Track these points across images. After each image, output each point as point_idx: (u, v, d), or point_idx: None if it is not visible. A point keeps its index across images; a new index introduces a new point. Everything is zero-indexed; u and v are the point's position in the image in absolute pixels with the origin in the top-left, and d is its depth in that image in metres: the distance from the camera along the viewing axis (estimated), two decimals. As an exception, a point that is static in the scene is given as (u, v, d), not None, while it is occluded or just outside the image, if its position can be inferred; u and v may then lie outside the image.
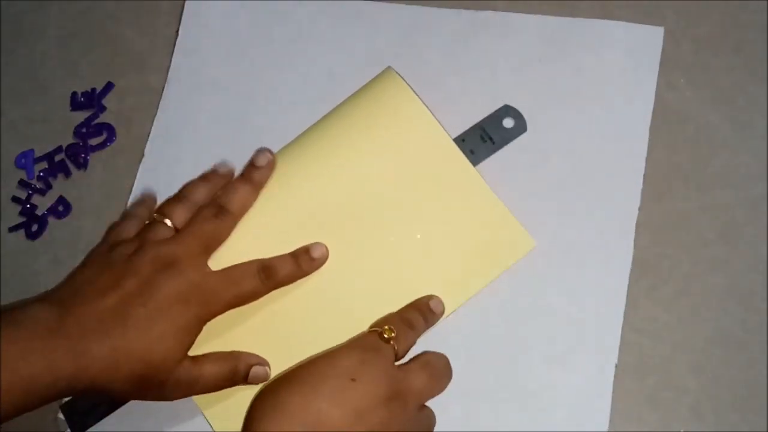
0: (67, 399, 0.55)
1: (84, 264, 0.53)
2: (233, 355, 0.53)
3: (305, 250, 0.54)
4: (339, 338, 0.52)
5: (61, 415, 0.56)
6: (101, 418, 0.55)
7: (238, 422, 0.47)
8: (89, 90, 0.65)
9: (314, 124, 0.58)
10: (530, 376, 0.53)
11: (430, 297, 0.54)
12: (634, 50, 0.58)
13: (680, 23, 0.59)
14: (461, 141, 0.58)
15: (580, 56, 0.59)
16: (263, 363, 0.53)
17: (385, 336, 0.50)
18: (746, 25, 0.58)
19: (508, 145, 0.57)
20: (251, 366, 0.52)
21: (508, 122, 0.58)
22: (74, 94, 0.65)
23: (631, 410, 0.52)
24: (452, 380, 0.53)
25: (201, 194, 0.55)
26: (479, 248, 0.55)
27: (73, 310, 0.48)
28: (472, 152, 0.57)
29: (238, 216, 0.54)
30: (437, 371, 0.50)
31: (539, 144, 0.57)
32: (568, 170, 0.56)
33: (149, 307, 0.49)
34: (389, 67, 0.59)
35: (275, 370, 0.53)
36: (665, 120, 0.57)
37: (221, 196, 0.54)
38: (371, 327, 0.52)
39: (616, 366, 0.52)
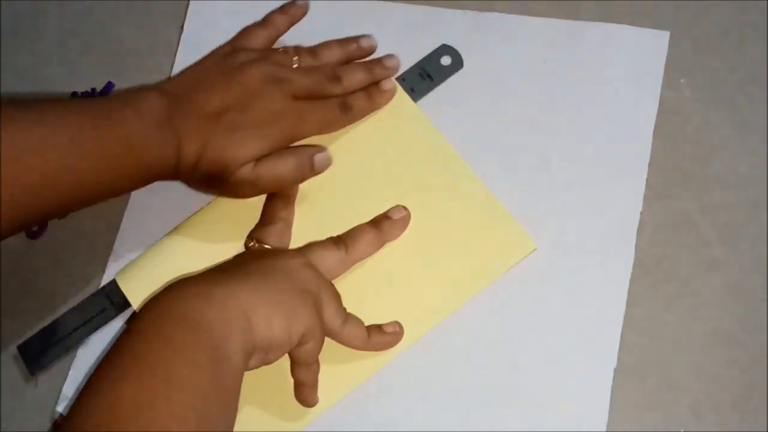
0: (23, 340, 0.57)
1: (203, 60, 0.57)
2: (293, 151, 0.55)
3: (376, 87, 0.58)
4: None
5: (59, 409, 0.56)
6: (56, 359, 0.57)
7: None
8: (89, 90, 0.65)
9: None
10: (530, 376, 0.53)
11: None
12: (638, 54, 0.58)
13: (680, 24, 0.59)
14: (401, 80, 0.59)
15: (585, 59, 0.59)
16: (323, 149, 0.55)
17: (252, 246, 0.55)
18: (746, 25, 0.58)
19: (511, 145, 0.57)
20: (313, 155, 0.55)
21: (446, 60, 0.60)
22: (74, 94, 0.65)
23: (631, 410, 0.52)
24: (451, 380, 0.53)
25: (334, 56, 0.58)
26: (480, 250, 0.55)
27: (182, 107, 0.52)
28: (412, 90, 0.59)
29: (347, 88, 0.57)
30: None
31: (542, 145, 0.57)
32: (571, 172, 0.56)
33: (245, 116, 0.53)
34: None
35: None
36: (665, 120, 0.57)
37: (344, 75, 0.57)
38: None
39: (616, 367, 0.52)
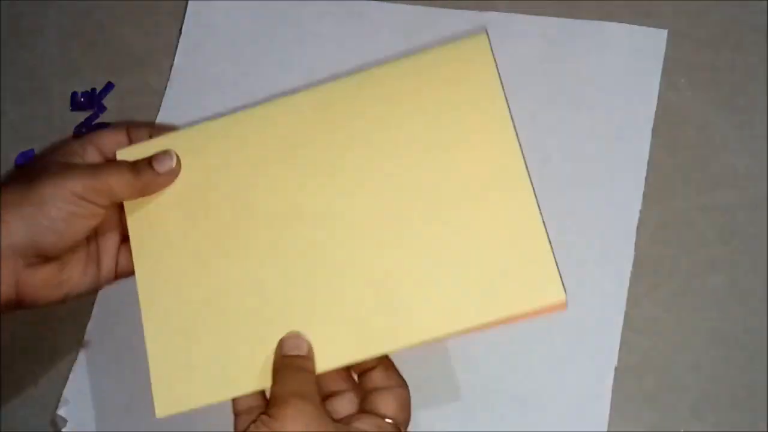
0: None
1: None
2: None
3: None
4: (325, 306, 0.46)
5: (60, 412, 0.56)
6: None
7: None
8: (89, 90, 0.65)
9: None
10: (530, 376, 0.53)
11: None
12: (637, 52, 0.58)
13: (681, 24, 0.59)
14: None
15: (583, 57, 0.59)
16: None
17: None
18: (746, 25, 0.58)
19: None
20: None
21: None
22: (74, 94, 0.65)
23: (631, 410, 0.52)
24: (452, 380, 0.53)
25: None
26: (496, 273, 0.45)
27: None
28: None
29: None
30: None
31: (541, 144, 0.57)
32: (570, 171, 0.56)
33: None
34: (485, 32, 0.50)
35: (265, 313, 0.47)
36: (665, 120, 0.57)
37: None
38: None
39: (616, 367, 0.52)
